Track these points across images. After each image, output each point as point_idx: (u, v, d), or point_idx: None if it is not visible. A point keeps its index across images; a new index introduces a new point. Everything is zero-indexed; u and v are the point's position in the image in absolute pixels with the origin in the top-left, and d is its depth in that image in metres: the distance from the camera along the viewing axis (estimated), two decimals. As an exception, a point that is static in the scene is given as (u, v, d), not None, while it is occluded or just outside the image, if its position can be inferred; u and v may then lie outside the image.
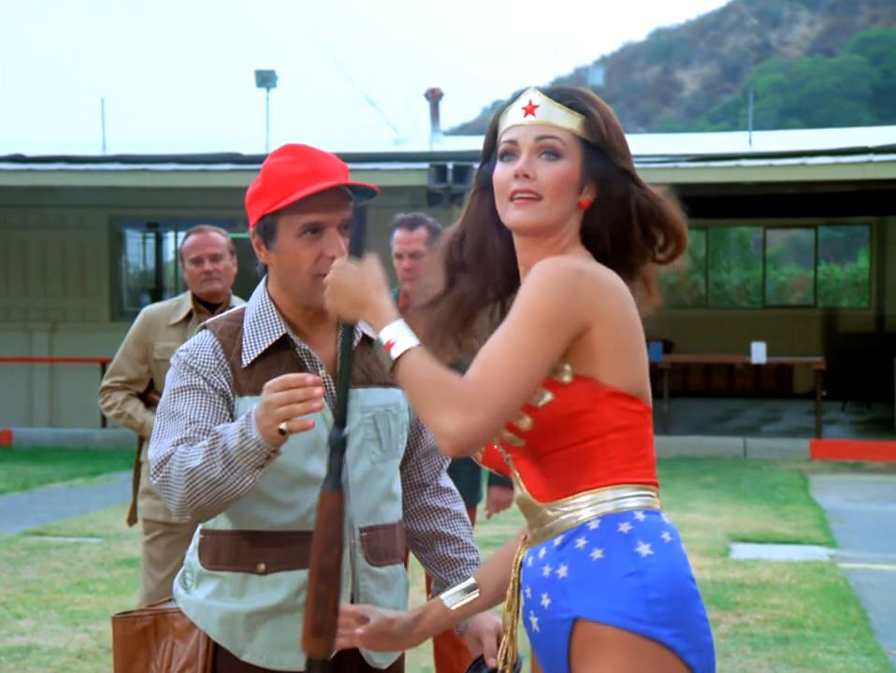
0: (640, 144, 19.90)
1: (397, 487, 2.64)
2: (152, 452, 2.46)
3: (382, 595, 2.57)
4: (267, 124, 16.99)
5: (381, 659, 2.58)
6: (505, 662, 2.31)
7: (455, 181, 14.50)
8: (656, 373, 18.52)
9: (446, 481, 2.80)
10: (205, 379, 2.50)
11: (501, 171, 2.24)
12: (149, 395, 4.96)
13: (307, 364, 2.55)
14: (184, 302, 4.97)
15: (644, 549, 2.09)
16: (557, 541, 2.14)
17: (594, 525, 2.12)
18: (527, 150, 2.22)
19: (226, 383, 2.51)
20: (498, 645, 2.54)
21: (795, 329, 20.81)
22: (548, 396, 2.12)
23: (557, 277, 2.09)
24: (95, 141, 17.06)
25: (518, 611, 2.26)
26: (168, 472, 2.39)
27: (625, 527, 2.11)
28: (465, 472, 4.63)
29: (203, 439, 2.41)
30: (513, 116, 2.26)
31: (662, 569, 2.09)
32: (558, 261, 2.13)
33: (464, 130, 65.76)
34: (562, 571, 2.12)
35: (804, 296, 24.89)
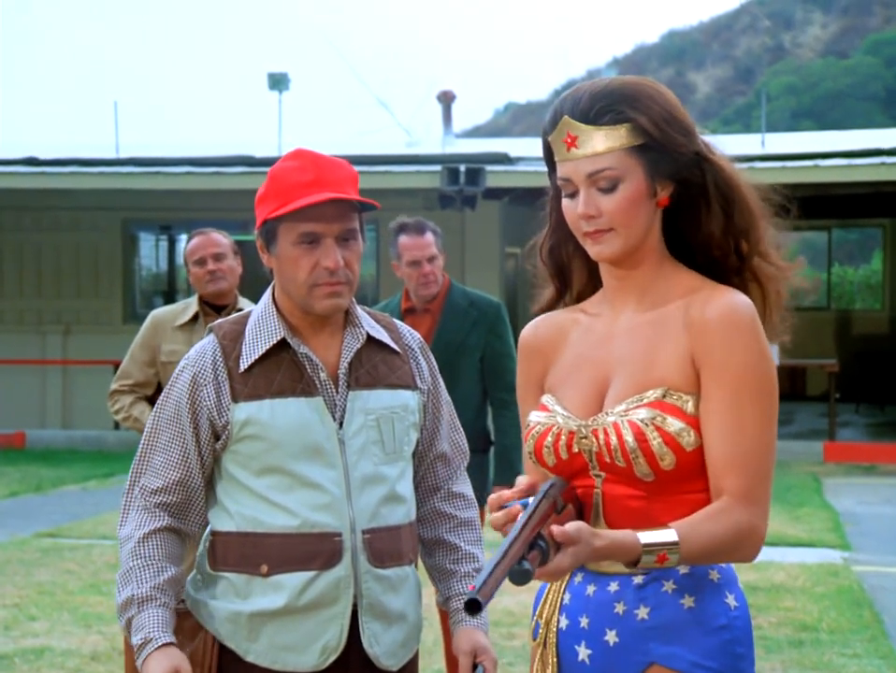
0: (652, 146, 19.86)
1: (404, 489, 2.63)
2: (131, 484, 2.59)
3: (389, 597, 2.57)
4: (280, 127, 17.01)
5: (390, 662, 2.58)
6: None
7: (468, 184, 14.50)
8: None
9: (461, 486, 2.78)
10: (192, 411, 2.54)
11: (568, 209, 2.12)
12: (157, 398, 4.96)
13: (307, 367, 2.55)
14: (191, 305, 4.98)
15: (731, 600, 2.05)
16: (639, 580, 2.05)
17: (683, 570, 2.04)
18: (583, 187, 2.08)
19: (216, 397, 2.53)
20: (474, 665, 2.53)
21: (808, 331, 20.74)
22: (696, 440, 2.03)
23: (760, 330, 2.05)
24: (109, 144, 17.10)
25: (556, 629, 2.13)
26: (122, 526, 2.58)
27: (714, 575, 2.05)
28: (471, 472, 4.62)
29: (157, 520, 2.53)
30: (559, 149, 2.11)
31: (746, 622, 2.06)
32: (748, 310, 2.04)
33: (476, 132, 65.79)
34: (642, 612, 2.04)
35: (818, 298, 24.83)
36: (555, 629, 2.13)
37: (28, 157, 16.01)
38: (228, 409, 2.53)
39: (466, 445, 2.82)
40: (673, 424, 2.01)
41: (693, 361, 2.03)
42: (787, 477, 12.85)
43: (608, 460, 2.06)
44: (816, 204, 18.61)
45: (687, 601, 2.02)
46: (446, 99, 18.99)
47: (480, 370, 5.11)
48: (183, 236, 17.88)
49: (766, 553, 8.85)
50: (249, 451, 2.53)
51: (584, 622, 2.09)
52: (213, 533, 2.59)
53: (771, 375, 2.02)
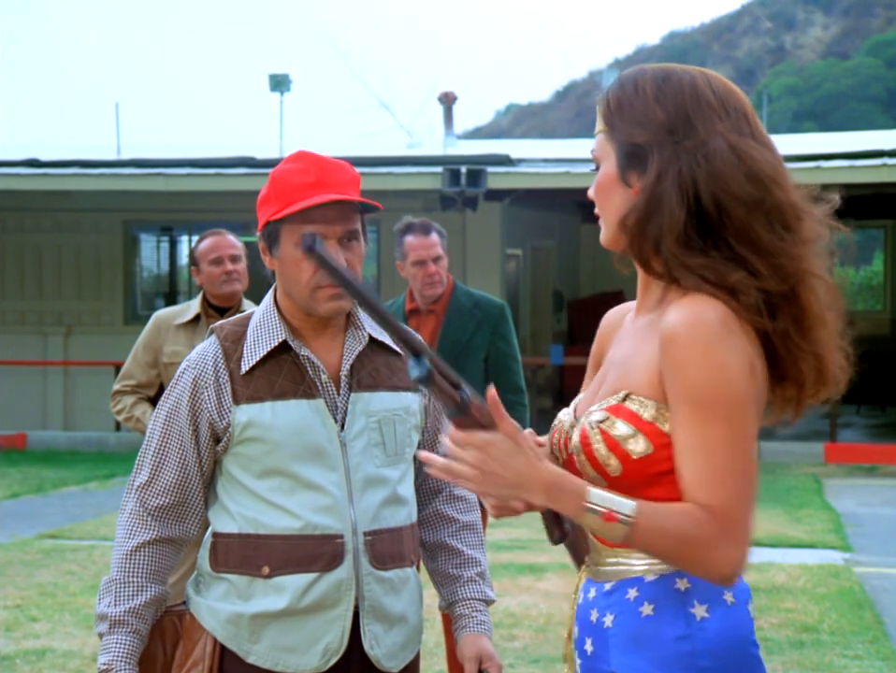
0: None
1: (405, 490, 2.64)
2: (130, 485, 2.61)
3: (391, 599, 2.57)
4: (281, 128, 17.02)
5: (391, 663, 2.58)
6: None
7: (469, 185, 14.50)
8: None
9: (462, 489, 2.78)
10: (192, 413, 2.55)
11: None
12: (159, 399, 4.98)
13: (308, 369, 2.56)
14: (193, 305, 4.99)
15: (700, 610, 1.90)
16: (608, 586, 1.97)
17: (650, 578, 1.92)
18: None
19: (217, 399, 2.54)
20: (480, 672, 2.52)
21: (809, 332, 20.73)
22: (646, 448, 1.89)
23: (719, 346, 1.84)
24: (110, 145, 17.12)
25: (570, 635, 2.09)
26: (118, 527, 2.63)
27: (682, 584, 1.91)
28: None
29: (145, 533, 2.56)
30: None
31: (717, 634, 1.89)
32: (701, 321, 1.85)
33: (478, 134, 65.81)
34: (608, 620, 1.95)
35: (819, 300, 24.81)
36: (572, 642, 2.08)
37: (29, 158, 16.02)
38: (229, 411, 2.53)
39: None
40: (620, 429, 1.90)
41: (660, 370, 1.90)
42: (788, 478, 12.85)
43: (561, 462, 2.01)
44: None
45: (646, 609, 1.92)
46: (447, 100, 18.99)
47: (484, 371, 5.11)
48: (184, 238, 17.90)
49: (767, 554, 8.89)
50: (250, 453, 2.53)
51: (576, 631, 2.05)
52: (215, 534, 2.59)
53: (733, 388, 1.83)
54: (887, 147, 14.77)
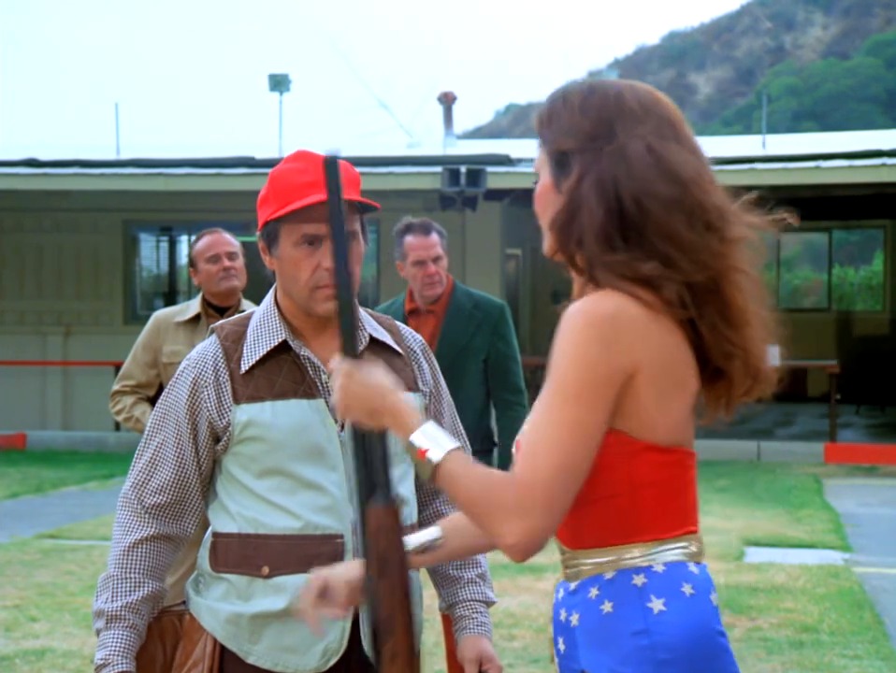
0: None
1: (405, 490, 2.63)
2: (128, 483, 2.61)
3: (390, 599, 2.57)
4: (281, 128, 17.02)
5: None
6: None
7: (469, 185, 14.51)
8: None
9: None
10: (191, 413, 2.55)
11: None
12: (158, 399, 4.98)
13: (308, 369, 2.56)
14: (193, 305, 4.99)
15: (657, 604, 1.93)
16: (573, 586, 2.01)
17: (609, 575, 1.96)
18: None
19: (217, 398, 2.54)
20: (480, 672, 2.53)
21: (809, 332, 20.76)
22: None
23: (588, 334, 1.88)
24: (109, 145, 17.11)
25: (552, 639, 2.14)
26: (115, 523, 2.63)
27: (639, 580, 1.95)
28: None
29: (145, 528, 2.55)
30: None
31: (675, 626, 1.92)
32: (586, 310, 1.90)
33: (477, 133, 65.82)
34: (574, 619, 2.00)
35: (818, 300, 24.84)
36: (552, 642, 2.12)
37: (29, 158, 16.02)
38: (229, 411, 2.53)
39: (468, 447, 2.82)
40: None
41: None
42: (788, 478, 12.85)
43: None
44: (817, 205, 18.62)
45: (606, 606, 1.95)
46: (447, 100, 18.99)
47: (484, 371, 5.11)
48: (184, 238, 17.90)
49: (767, 554, 8.88)
50: (250, 452, 2.53)
51: (551, 630, 2.08)
52: (215, 534, 2.59)
53: (572, 375, 1.87)
54: (886, 147, 14.76)
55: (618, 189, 1.94)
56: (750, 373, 2.06)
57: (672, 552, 1.98)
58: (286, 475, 2.51)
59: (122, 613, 2.51)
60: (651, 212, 1.93)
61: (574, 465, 1.87)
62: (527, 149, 18.55)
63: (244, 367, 2.55)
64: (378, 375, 1.99)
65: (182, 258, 18.11)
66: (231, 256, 4.94)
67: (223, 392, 2.54)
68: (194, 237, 5.15)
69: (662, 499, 1.98)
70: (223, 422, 2.54)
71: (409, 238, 5.00)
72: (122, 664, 2.47)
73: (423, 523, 2.72)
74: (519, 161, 15.52)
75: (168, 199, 16.19)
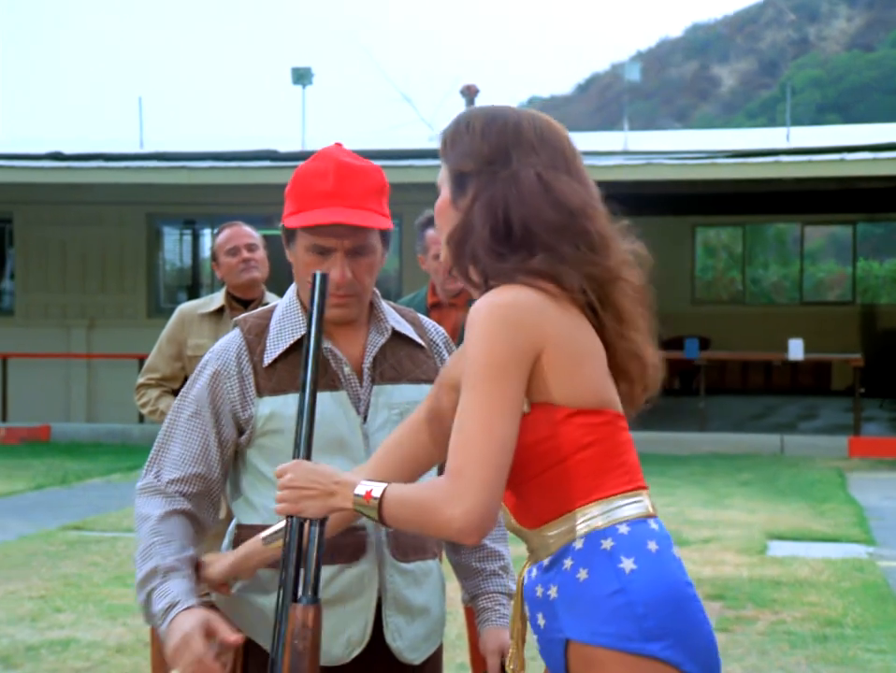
0: (677, 140, 19.82)
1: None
2: (149, 472, 2.59)
3: (412, 591, 2.58)
4: (303, 122, 17.05)
5: (413, 655, 2.58)
6: (513, 669, 2.29)
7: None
8: (692, 370, 18.45)
9: None
10: (214, 404, 2.54)
11: None
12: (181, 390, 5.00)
13: (331, 362, 2.56)
14: (216, 297, 5.00)
15: (628, 564, 2.06)
16: (546, 562, 2.13)
17: (578, 545, 2.09)
18: None
19: (240, 389, 2.54)
20: (502, 665, 2.56)
21: (833, 326, 20.69)
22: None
23: (495, 320, 2.04)
24: (133, 139, 17.18)
25: (525, 620, 2.26)
26: (136, 509, 2.56)
27: (607, 544, 2.08)
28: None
29: (170, 505, 2.51)
30: None
31: (648, 582, 2.05)
32: (488, 303, 2.07)
33: (500, 126, 65.52)
34: (552, 592, 2.11)
35: (843, 293, 24.73)
36: (519, 622, 2.25)
37: (53, 152, 16.09)
38: (253, 403, 2.54)
39: None
40: None
41: None
42: (812, 471, 12.81)
43: None
44: (841, 198, 18.54)
45: (582, 574, 2.08)
46: (470, 93, 18.97)
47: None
48: (207, 231, 17.95)
49: (791, 548, 8.84)
50: (274, 445, 2.54)
51: (526, 610, 2.20)
52: (238, 526, 2.59)
53: (486, 359, 2.03)
54: (911, 139, 14.68)
55: (508, 211, 2.11)
56: (646, 372, 2.21)
57: (629, 507, 2.11)
58: (308, 468, 2.51)
59: (177, 565, 2.41)
60: (538, 235, 2.10)
61: (500, 440, 2.01)
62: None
63: (267, 361, 2.55)
64: (316, 464, 2.16)
65: (205, 251, 18.16)
66: (250, 248, 4.96)
67: (246, 384, 2.55)
68: (217, 230, 5.18)
69: (603, 457, 2.11)
70: (246, 414, 2.54)
71: (430, 232, 5.00)
72: (189, 601, 2.36)
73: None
74: (542, 154, 15.47)
75: (192, 192, 16.23)
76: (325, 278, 2.24)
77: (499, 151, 2.15)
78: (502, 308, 2.05)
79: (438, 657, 2.69)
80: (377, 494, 2.06)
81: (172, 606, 2.35)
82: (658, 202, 19.40)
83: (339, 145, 2.61)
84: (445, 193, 2.20)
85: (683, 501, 10.73)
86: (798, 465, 13.27)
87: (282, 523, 2.28)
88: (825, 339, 19.41)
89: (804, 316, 21.44)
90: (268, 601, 2.52)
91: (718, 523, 9.59)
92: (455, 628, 5.79)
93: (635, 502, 2.12)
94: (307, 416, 2.19)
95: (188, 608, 2.33)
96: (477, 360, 2.04)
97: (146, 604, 2.41)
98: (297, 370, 2.54)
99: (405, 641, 2.56)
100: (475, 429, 2.02)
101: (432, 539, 2.64)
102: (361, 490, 2.08)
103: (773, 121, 43.26)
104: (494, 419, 2.02)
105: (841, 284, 25.42)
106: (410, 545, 2.58)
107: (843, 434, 15.05)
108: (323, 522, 2.13)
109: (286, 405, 2.53)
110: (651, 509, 2.14)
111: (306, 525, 2.14)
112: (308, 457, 2.18)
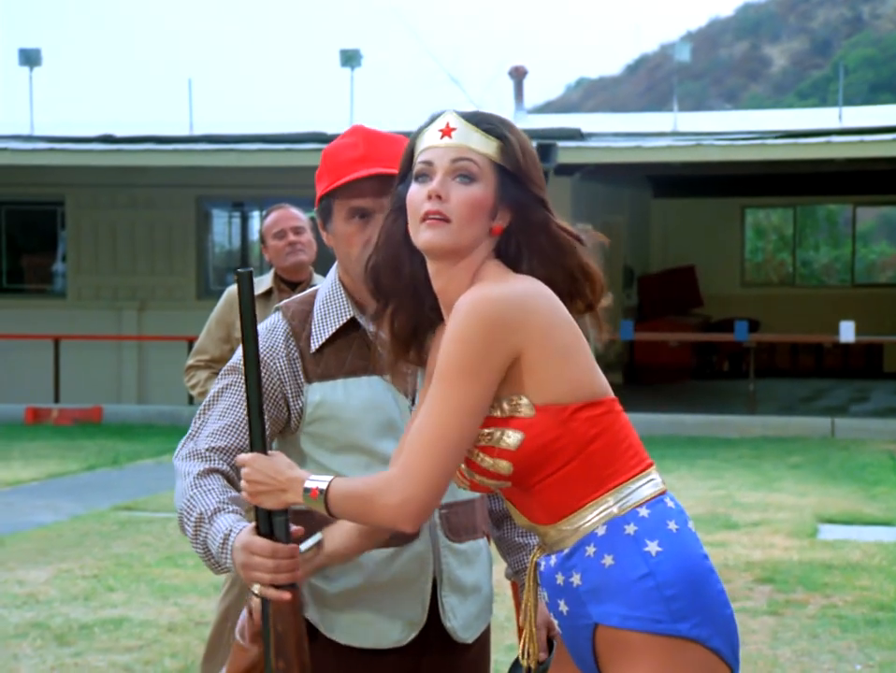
0: (727, 121, 19.64)
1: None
2: (184, 443, 2.51)
3: (465, 571, 2.58)
4: (352, 104, 17.05)
5: (466, 634, 2.59)
6: (527, 656, 2.34)
7: (541, 160, 14.41)
8: (741, 352, 18.33)
9: None
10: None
11: (416, 192, 2.20)
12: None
13: (379, 348, 2.55)
14: (265, 279, 5.02)
15: (653, 547, 2.11)
16: (566, 551, 2.16)
17: (601, 532, 2.13)
18: (441, 171, 2.18)
19: (290, 372, 2.51)
20: (549, 640, 2.58)
21: (885, 307, 20.45)
22: (519, 436, 2.13)
23: (475, 317, 2.08)
24: (183, 122, 17.26)
25: (535, 607, 2.32)
26: (175, 472, 2.50)
27: (630, 529, 2.12)
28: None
29: (211, 464, 2.44)
30: (430, 138, 2.22)
31: (673, 564, 2.10)
32: (472, 298, 2.10)
33: (548, 108, 65.45)
34: (576, 579, 2.14)
35: (895, 274, 24.45)
36: (532, 608, 2.32)
37: (104, 135, 16.20)
38: (302, 389, 2.52)
39: None
40: (489, 435, 2.15)
41: None
42: (863, 455, 12.70)
43: (488, 487, 2.27)
44: (894, 178, 18.31)
45: (607, 560, 2.11)
46: (517, 75, 18.92)
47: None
48: (256, 213, 18.02)
49: (842, 532, 8.78)
50: (324, 431, 2.52)
51: (546, 596, 2.23)
52: (293, 512, 2.58)
53: (455, 358, 2.09)
54: (966, 118, 14.47)
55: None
56: (593, 286, 2.25)
57: (644, 488, 2.15)
58: (363, 451, 2.51)
59: (221, 506, 2.35)
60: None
61: (452, 440, 2.09)
62: (599, 123, 18.42)
63: (314, 346, 2.53)
64: (275, 457, 2.24)
65: (254, 233, 18.23)
66: (297, 231, 4.97)
67: (295, 368, 2.53)
68: (265, 213, 5.19)
69: (611, 445, 2.15)
70: (297, 401, 2.52)
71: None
72: (240, 525, 2.31)
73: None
74: (590, 135, 15.41)
75: (240, 175, 16.30)
76: (249, 275, 2.22)
77: (542, 185, 2.25)
78: (486, 304, 2.09)
79: (486, 635, 2.70)
80: (321, 486, 2.16)
81: (226, 537, 2.30)
82: (708, 183, 19.26)
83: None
84: (488, 192, 2.19)
85: (732, 484, 10.67)
86: (848, 448, 13.15)
87: (318, 536, 2.39)
88: (877, 321, 19.20)
89: (856, 298, 21.23)
90: (324, 585, 2.53)
91: (768, 507, 9.53)
92: (504, 610, 5.80)
93: (648, 481, 2.17)
94: (256, 412, 2.24)
95: (242, 530, 2.29)
96: (449, 356, 2.10)
97: (206, 555, 2.36)
98: (344, 354, 2.53)
99: (459, 620, 2.57)
100: (430, 426, 2.10)
101: (482, 518, 2.65)
102: (309, 486, 2.17)
103: (824, 102, 42.79)
104: (451, 418, 2.09)
105: (893, 266, 25.13)
106: (462, 525, 2.58)
107: (894, 417, 14.90)
108: (285, 511, 2.24)
109: (335, 390, 2.51)
110: (663, 485, 2.19)
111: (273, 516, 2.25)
112: (263, 450, 2.24)
